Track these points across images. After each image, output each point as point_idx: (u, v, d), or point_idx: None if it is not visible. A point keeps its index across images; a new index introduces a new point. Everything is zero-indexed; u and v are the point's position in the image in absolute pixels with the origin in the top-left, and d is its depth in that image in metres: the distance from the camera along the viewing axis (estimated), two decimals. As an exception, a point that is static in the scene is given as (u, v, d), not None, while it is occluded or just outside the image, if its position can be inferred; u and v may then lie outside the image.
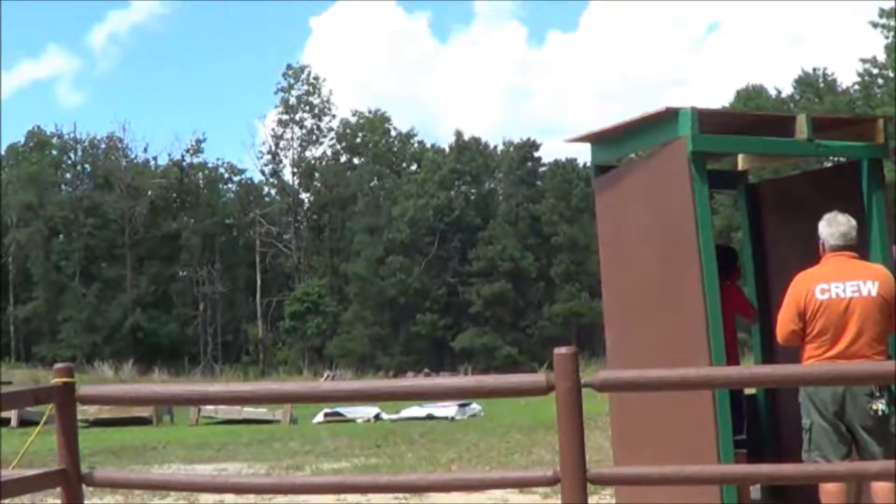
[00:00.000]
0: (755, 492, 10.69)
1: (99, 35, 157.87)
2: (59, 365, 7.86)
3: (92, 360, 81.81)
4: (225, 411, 38.77)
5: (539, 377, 6.87)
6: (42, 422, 8.71)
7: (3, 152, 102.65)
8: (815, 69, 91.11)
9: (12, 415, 36.80)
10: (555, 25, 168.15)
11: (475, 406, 39.30)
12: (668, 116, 9.20)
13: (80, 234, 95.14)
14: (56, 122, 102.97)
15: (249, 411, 38.25)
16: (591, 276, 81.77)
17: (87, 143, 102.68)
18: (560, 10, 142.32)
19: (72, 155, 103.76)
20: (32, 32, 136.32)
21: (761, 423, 11.10)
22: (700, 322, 8.86)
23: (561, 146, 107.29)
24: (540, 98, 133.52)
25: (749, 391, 10.90)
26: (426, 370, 71.83)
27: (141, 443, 28.69)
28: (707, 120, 9.19)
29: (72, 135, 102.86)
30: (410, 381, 8.92)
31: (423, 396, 9.30)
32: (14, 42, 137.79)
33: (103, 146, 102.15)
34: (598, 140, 10.49)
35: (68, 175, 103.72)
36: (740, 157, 11.38)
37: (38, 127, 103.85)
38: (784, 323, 8.90)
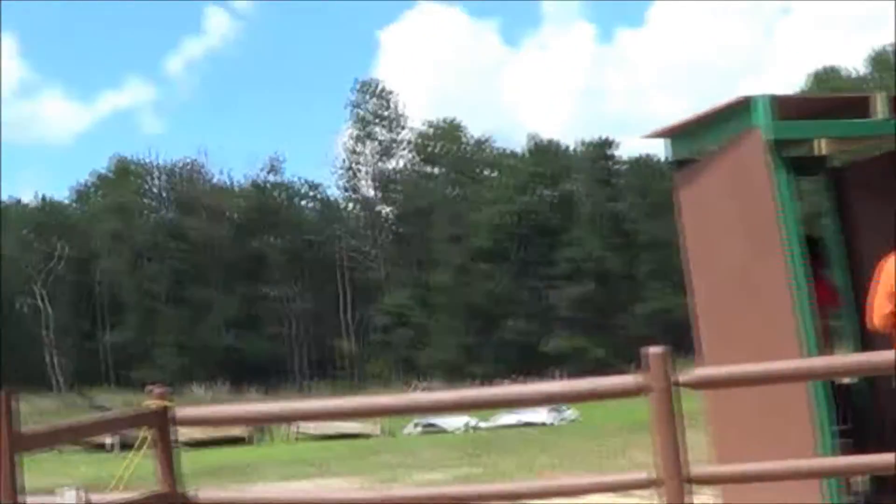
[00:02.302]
0: (861, 483, 10.51)
1: (175, 63, 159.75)
2: (154, 389, 7.90)
3: (185, 381, 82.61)
4: (319, 427, 38.95)
5: (631, 378, 6.81)
6: (139, 445, 8.76)
7: (89, 182, 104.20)
8: (888, 47, 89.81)
9: (111, 439, 37.23)
10: (623, 22, 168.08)
11: (569, 410, 39.17)
12: (743, 106, 9.08)
13: (168, 259, 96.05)
14: (138, 151, 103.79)
15: (343, 426, 38.41)
16: (677, 272, 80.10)
17: (168, 170, 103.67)
18: (627, 6, 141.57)
19: (155, 181, 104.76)
20: (112, 63, 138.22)
21: (863, 413, 10.92)
22: (791, 313, 8.74)
23: (638, 142, 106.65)
24: (613, 95, 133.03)
25: (847, 380, 10.73)
26: (516, 376, 71.71)
27: (238, 462, 28.88)
28: (783, 106, 9.06)
29: (153, 162, 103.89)
30: (502, 389, 8.89)
31: (515, 403, 9.25)
32: (95, 73, 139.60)
33: (184, 171, 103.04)
34: (675, 134, 10.39)
35: (152, 202, 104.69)
36: (820, 142, 11.20)
37: (121, 155, 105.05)
38: (879, 307, 8.74)
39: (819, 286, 10.25)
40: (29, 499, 6.58)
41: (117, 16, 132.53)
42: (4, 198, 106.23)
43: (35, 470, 6.90)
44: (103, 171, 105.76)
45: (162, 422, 7.78)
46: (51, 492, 7.73)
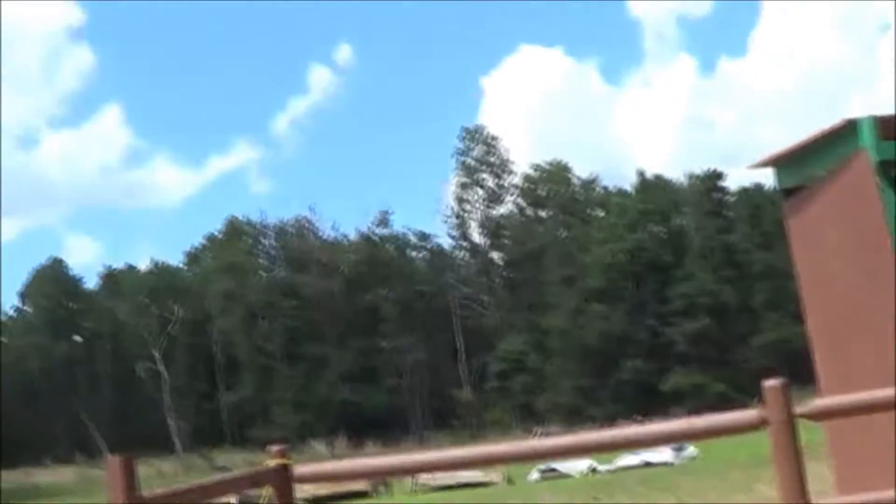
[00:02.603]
0: None
1: (281, 122, 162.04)
2: (273, 447, 7.91)
3: (304, 438, 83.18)
4: (441, 477, 38.89)
5: (750, 413, 6.69)
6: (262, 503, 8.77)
7: (200, 244, 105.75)
8: None
9: (233, 499, 37.43)
10: (724, 51, 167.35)
11: (691, 448, 38.77)
12: (848, 129, 8.93)
13: (281, 316, 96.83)
14: (248, 211, 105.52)
15: (464, 475, 38.30)
16: (794, 301, 79.46)
17: (278, 228, 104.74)
18: (728, 35, 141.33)
19: (265, 240, 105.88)
20: (218, 126, 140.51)
21: None
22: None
23: (746, 172, 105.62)
24: (719, 126, 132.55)
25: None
26: (637, 416, 71.20)
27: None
28: (888, 126, 8.91)
29: (263, 221, 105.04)
30: (621, 430, 8.75)
31: (635, 444, 9.09)
32: (202, 137, 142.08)
33: (294, 229, 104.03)
34: (781, 163, 10.26)
35: (264, 260, 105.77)
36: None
37: (232, 216, 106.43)
38: None
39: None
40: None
41: (222, 80, 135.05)
42: (119, 265, 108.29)
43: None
44: (214, 233, 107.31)
45: (282, 480, 7.78)
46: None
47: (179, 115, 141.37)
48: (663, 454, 37.49)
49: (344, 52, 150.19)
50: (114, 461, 6.49)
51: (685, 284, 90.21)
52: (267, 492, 7.99)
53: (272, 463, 7.79)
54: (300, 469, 7.94)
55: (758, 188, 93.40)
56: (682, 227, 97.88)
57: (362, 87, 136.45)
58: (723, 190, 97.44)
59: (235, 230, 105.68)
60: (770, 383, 6.60)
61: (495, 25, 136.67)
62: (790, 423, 6.43)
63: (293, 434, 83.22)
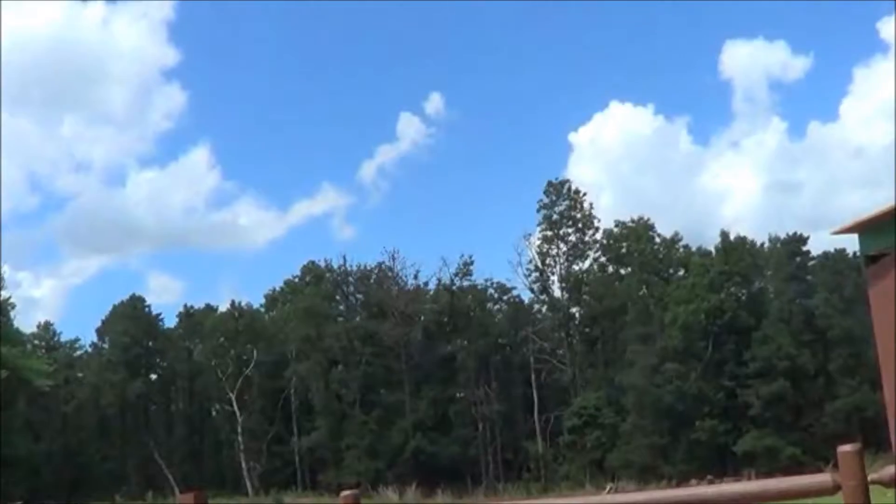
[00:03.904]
0: None
1: (369, 170, 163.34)
2: (345, 493, 8.01)
3: (376, 485, 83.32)
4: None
5: (825, 477, 6.72)
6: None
7: (280, 288, 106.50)
8: None
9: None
10: (815, 116, 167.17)
11: (763, 511, 38.43)
12: (935, 199, 8.97)
13: (358, 363, 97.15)
14: (331, 256, 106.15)
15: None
16: (871, 368, 79.07)
17: (359, 274, 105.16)
18: (820, 100, 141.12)
19: (345, 286, 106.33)
20: (308, 173, 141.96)
21: None
22: None
23: (829, 237, 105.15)
24: (805, 190, 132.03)
25: None
26: (709, 477, 70.66)
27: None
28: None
29: (343, 267, 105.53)
30: (695, 489, 8.77)
31: None
32: (289, 183, 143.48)
33: (375, 276, 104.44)
34: (866, 228, 10.30)
35: (343, 307, 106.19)
36: None
37: (312, 261, 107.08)
38: None
39: None
40: None
41: (311, 125, 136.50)
42: (199, 305, 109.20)
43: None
44: (295, 277, 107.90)
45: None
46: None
47: (267, 159, 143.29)
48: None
49: (435, 102, 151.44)
50: (187, 498, 6.63)
51: (763, 347, 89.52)
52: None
53: (344, 507, 7.90)
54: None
55: (840, 253, 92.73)
56: (762, 290, 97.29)
57: (451, 137, 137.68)
58: (805, 254, 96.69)
59: (315, 275, 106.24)
60: (844, 448, 6.64)
61: (586, 81, 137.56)
62: (864, 488, 6.46)
63: (364, 480, 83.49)
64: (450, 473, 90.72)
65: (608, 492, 65.38)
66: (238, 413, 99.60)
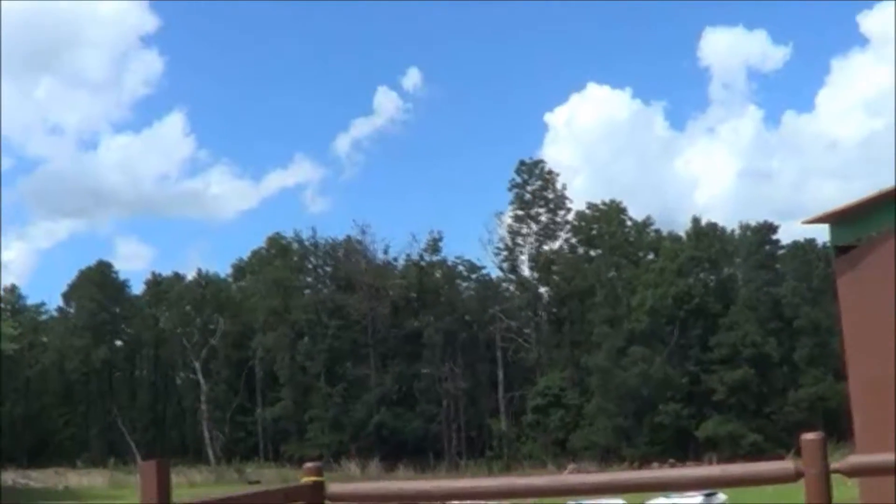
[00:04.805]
0: None
1: (343, 143, 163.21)
2: (308, 464, 7.97)
3: (338, 458, 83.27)
4: (471, 507, 38.79)
5: (787, 464, 6.73)
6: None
7: (247, 258, 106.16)
8: None
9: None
10: (791, 106, 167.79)
11: (721, 495, 38.68)
12: (907, 192, 8.98)
13: (325, 336, 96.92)
14: (301, 228, 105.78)
15: (495, 506, 38.22)
16: (836, 358, 79.59)
17: (328, 247, 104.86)
18: (797, 90, 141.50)
19: (314, 259, 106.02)
20: (282, 144, 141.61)
21: None
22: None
23: (799, 227, 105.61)
24: (777, 180, 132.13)
25: None
26: (671, 460, 71.01)
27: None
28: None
29: (313, 239, 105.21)
30: (657, 472, 8.77)
31: (670, 487, 9.13)
32: (264, 154, 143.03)
33: (344, 250, 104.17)
34: (836, 220, 10.29)
35: (310, 279, 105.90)
36: None
37: (281, 233, 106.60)
38: None
39: None
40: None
41: (287, 96, 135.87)
42: (167, 273, 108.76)
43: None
44: (263, 249, 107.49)
45: (315, 497, 7.86)
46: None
47: (242, 129, 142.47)
48: (694, 499, 37.38)
49: (412, 78, 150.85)
50: (149, 466, 6.57)
51: (729, 333, 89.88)
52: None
53: (307, 480, 7.87)
54: (333, 487, 8.02)
55: (810, 243, 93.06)
56: (731, 277, 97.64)
57: (427, 112, 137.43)
58: (775, 243, 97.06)
59: (284, 247, 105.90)
60: (808, 436, 6.64)
61: (565, 62, 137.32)
62: (825, 477, 6.46)
63: (327, 453, 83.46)
64: (412, 449, 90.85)
65: (569, 472, 65.55)
66: (202, 382, 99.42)
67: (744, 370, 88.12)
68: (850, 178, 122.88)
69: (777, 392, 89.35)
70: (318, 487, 7.87)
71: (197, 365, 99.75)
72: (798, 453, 6.64)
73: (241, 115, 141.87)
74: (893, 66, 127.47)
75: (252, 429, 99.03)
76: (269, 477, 78.64)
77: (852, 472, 6.76)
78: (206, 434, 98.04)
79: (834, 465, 6.52)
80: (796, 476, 6.59)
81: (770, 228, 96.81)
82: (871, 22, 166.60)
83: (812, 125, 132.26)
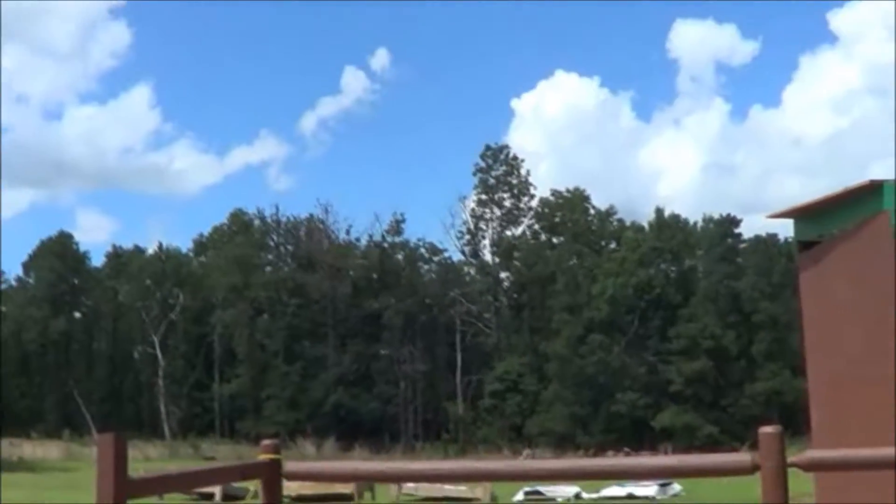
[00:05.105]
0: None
1: (309, 121, 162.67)
2: (265, 441, 7.96)
3: (294, 437, 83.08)
4: (425, 489, 38.89)
5: (744, 456, 6.74)
6: (248, 497, 8.83)
7: (209, 234, 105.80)
8: None
9: (216, 489, 37.54)
10: (758, 101, 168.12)
11: (676, 486, 38.83)
12: (872, 190, 8.99)
13: (284, 314, 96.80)
14: (265, 205, 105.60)
15: (450, 489, 38.32)
16: (793, 354, 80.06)
17: (290, 225, 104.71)
18: (764, 85, 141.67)
19: (276, 237, 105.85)
20: (248, 120, 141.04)
21: None
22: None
23: (761, 222, 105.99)
24: (742, 174, 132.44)
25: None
26: (626, 449, 71.30)
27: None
28: (910, 193, 8.95)
29: (275, 216, 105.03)
30: (613, 460, 8.80)
31: (626, 475, 9.15)
32: (229, 129, 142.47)
33: (306, 228, 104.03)
34: (801, 215, 10.31)
35: (271, 256, 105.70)
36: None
37: (244, 210, 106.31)
38: None
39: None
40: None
41: (254, 72, 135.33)
42: (127, 245, 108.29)
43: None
44: (225, 224, 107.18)
45: (271, 475, 7.85)
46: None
47: (208, 103, 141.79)
48: (649, 489, 37.51)
49: (381, 58, 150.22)
50: (106, 439, 6.53)
51: (688, 325, 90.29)
52: (255, 485, 8.06)
53: (264, 457, 7.86)
54: (290, 466, 8.00)
55: (772, 238, 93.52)
56: (692, 269, 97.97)
57: (395, 93, 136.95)
58: (737, 236, 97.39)
59: (246, 223, 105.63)
60: (766, 429, 6.65)
61: (534, 48, 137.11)
62: (782, 470, 6.48)
63: (283, 431, 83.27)
64: (369, 429, 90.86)
65: (525, 458, 65.74)
66: (160, 357, 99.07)
67: (702, 362, 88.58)
68: (813, 175, 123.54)
69: (734, 385, 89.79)
70: (275, 465, 7.86)
71: (155, 339, 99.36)
72: (753, 446, 6.65)
73: (207, 90, 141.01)
74: (861, 65, 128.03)
75: (209, 405, 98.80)
76: (225, 453, 78.40)
77: (810, 467, 6.78)
78: (163, 409, 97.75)
79: (791, 458, 6.54)
80: (753, 469, 6.61)
81: (732, 222, 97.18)
82: (840, 20, 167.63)
83: (778, 121, 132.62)
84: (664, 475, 7.20)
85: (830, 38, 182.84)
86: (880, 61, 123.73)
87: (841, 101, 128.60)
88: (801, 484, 7.06)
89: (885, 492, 8.67)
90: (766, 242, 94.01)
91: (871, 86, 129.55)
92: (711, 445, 76.87)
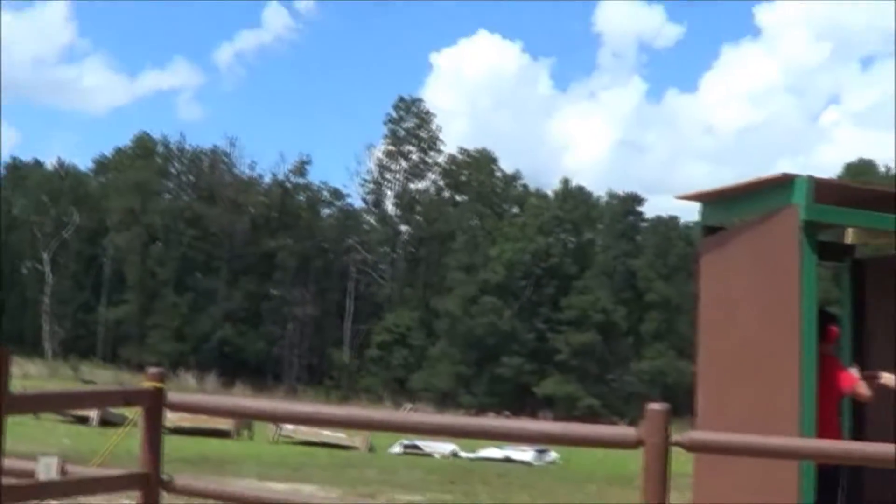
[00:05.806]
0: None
1: (226, 53, 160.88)
2: (151, 369, 7.89)
3: (177, 368, 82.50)
4: (304, 432, 38.91)
5: (629, 430, 6.78)
6: (127, 424, 8.72)
7: (110, 155, 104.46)
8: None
9: (93, 414, 37.26)
10: (675, 84, 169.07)
11: (553, 453, 39.13)
12: (784, 183, 9.07)
13: (179, 244, 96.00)
14: (170, 132, 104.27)
15: (328, 435, 38.37)
16: (680, 336, 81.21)
17: (194, 155, 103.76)
18: (683, 70, 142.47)
19: (177, 164, 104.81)
20: (163, 44, 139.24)
21: (852, 499, 10.77)
22: (794, 391, 8.71)
23: (664, 203, 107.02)
24: (650, 154, 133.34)
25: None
26: (507, 413, 71.78)
27: (219, 455, 28.83)
28: (821, 190, 9.05)
29: (179, 145, 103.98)
30: (497, 421, 8.82)
31: (509, 438, 9.16)
32: (144, 52, 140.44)
33: (210, 160, 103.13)
34: (710, 200, 10.38)
35: (172, 184, 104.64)
36: (849, 231, 11.16)
37: (147, 133, 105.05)
38: None
39: (836, 367, 10.02)
40: (6, 461, 6.54)
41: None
42: (27, 158, 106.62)
43: (13, 434, 6.86)
44: (128, 147, 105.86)
45: (155, 403, 7.78)
46: (30, 457, 7.71)
47: (124, 24, 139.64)
48: (526, 454, 37.74)
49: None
50: (-10, 352, 6.42)
51: (581, 297, 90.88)
52: (133, 413, 7.97)
53: (148, 385, 7.78)
54: (173, 396, 7.94)
55: (672, 221, 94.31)
56: (591, 242, 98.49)
57: (316, 36, 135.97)
58: (639, 215, 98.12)
59: (149, 148, 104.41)
60: (653, 406, 6.70)
61: (459, 5, 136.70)
62: (665, 447, 6.53)
63: (166, 361, 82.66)
64: (252, 368, 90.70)
65: (406, 411, 65.94)
66: (49, 274, 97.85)
67: (590, 335, 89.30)
68: (721, 163, 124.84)
69: (620, 361, 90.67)
70: (159, 394, 7.80)
71: (45, 256, 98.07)
72: (633, 422, 6.69)
73: (125, 8, 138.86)
74: (781, 62, 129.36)
75: (93, 328, 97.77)
76: (105, 378, 77.81)
77: (692, 447, 6.83)
78: (46, 327, 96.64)
79: (675, 437, 6.59)
80: (637, 443, 6.65)
81: (636, 200, 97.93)
82: (766, 15, 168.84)
83: (692, 106, 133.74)
84: (549, 441, 7.23)
85: (754, 32, 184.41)
86: (800, 61, 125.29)
87: (757, 94, 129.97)
88: (680, 465, 7.10)
89: (761, 479, 8.77)
90: (667, 224, 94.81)
91: (789, 84, 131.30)
92: (591, 417, 77.51)
